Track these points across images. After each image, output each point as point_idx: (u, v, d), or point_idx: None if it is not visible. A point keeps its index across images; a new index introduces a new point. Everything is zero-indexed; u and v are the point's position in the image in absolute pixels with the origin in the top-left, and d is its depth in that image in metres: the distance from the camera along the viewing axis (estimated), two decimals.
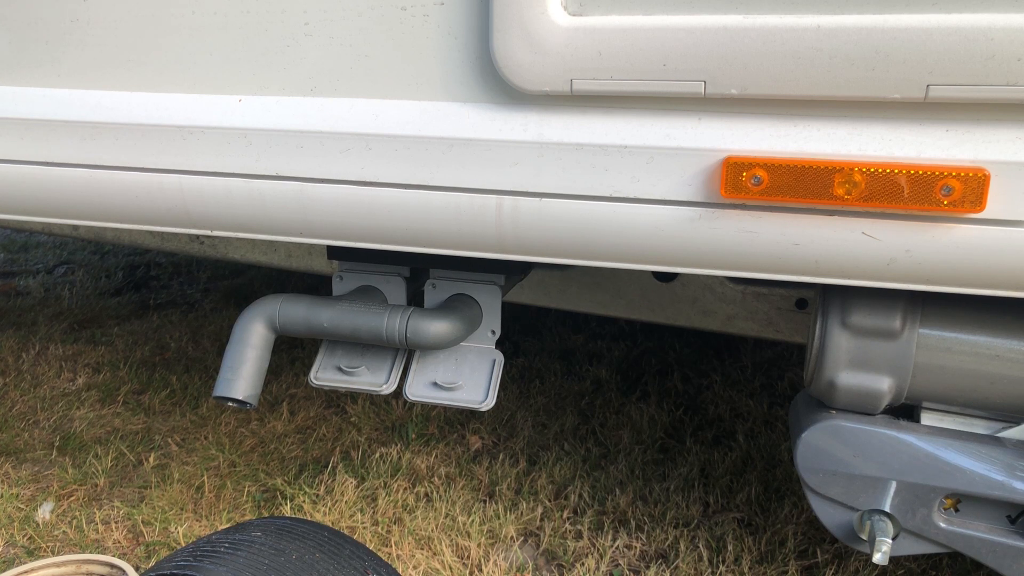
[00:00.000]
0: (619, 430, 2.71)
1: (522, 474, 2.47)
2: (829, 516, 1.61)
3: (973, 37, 1.14)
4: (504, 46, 1.32)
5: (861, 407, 1.56)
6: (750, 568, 2.06)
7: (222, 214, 1.61)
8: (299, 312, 1.75)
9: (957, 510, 1.56)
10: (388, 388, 1.84)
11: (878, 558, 1.50)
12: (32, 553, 2.18)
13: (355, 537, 2.16)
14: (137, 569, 2.06)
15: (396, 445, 2.62)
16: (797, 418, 1.65)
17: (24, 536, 2.23)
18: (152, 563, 2.13)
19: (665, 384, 3.07)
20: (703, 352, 3.36)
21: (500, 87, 1.39)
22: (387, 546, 2.16)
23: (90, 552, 2.17)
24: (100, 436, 2.75)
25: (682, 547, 2.13)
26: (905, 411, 1.62)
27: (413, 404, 2.87)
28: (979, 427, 1.57)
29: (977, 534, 1.53)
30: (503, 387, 2.99)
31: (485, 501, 2.36)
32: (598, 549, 2.15)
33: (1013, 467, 1.47)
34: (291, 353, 3.35)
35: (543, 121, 1.38)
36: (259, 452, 2.64)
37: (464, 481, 2.44)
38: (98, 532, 2.25)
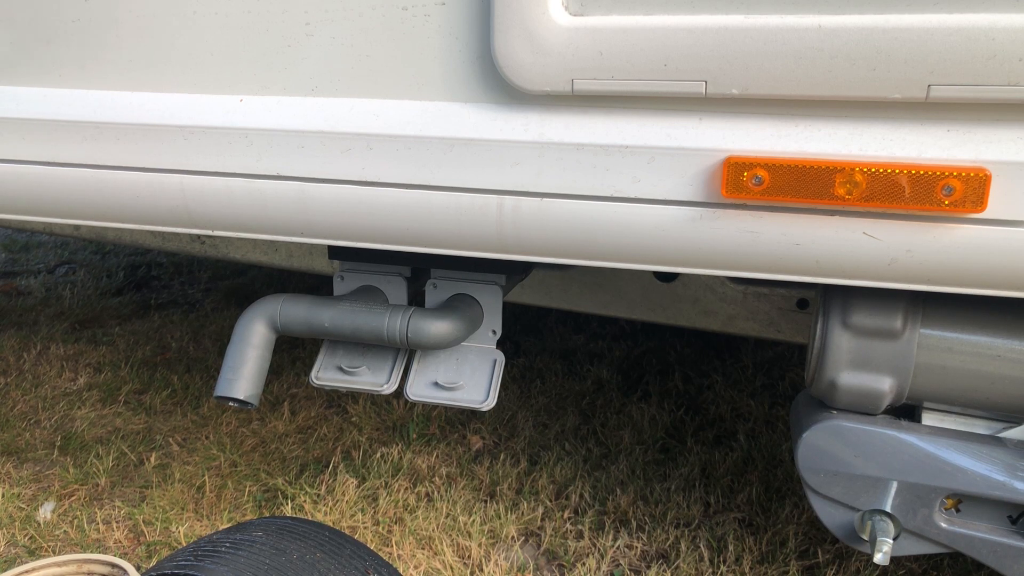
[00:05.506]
0: (620, 430, 2.71)
1: (523, 474, 2.47)
2: (830, 516, 1.61)
3: (974, 37, 1.14)
4: (505, 46, 1.32)
5: (862, 407, 1.56)
6: (751, 568, 2.05)
7: (223, 214, 1.61)
8: (300, 312, 1.76)
9: (958, 510, 1.56)
10: (389, 388, 1.84)
11: (879, 558, 1.50)
12: (33, 553, 2.18)
13: (356, 537, 2.16)
14: (138, 568, 2.06)
15: (397, 445, 2.62)
16: (798, 418, 1.65)
17: (25, 536, 2.24)
18: (153, 563, 2.13)
19: (666, 384, 3.07)
20: (704, 352, 3.36)
21: (501, 87, 1.39)
22: (388, 546, 2.16)
23: (91, 552, 2.17)
24: (101, 436, 2.75)
25: (683, 547, 2.13)
26: (906, 411, 1.62)
27: (414, 404, 2.87)
28: (980, 427, 1.57)
29: (978, 534, 1.53)
30: (504, 387, 2.99)
31: (486, 501, 2.36)
32: (599, 549, 2.15)
33: (1014, 467, 1.47)
34: (292, 353, 3.35)
35: (544, 121, 1.38)
36: (260, 452, 2.64)
37: (465, 481, 2.44)
38: (99, 532, 2.25)
